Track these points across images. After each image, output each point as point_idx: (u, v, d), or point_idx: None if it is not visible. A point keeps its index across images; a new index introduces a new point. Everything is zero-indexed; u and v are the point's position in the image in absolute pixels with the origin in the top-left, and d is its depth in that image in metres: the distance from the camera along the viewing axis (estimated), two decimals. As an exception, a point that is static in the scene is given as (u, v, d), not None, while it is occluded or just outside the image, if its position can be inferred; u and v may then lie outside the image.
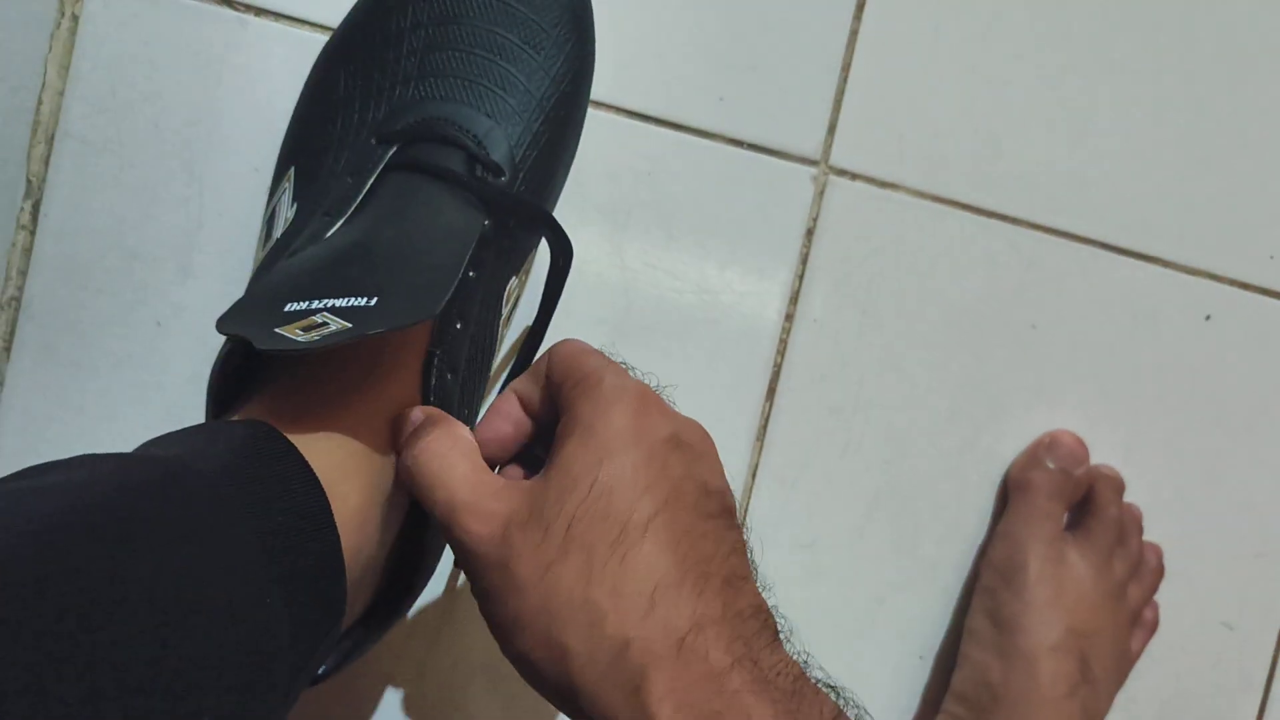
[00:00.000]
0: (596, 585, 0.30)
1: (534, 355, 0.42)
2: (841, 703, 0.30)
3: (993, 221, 0.55)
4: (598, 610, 0.30)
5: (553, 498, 0.32)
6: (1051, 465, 0.55)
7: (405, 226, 0.39)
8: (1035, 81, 0.56)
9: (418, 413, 0.37)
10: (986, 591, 0.55)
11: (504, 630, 0.32)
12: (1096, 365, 0.57)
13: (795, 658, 0.31)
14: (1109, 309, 0.57)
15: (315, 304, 0.37)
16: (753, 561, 0.33)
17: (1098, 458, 0.57)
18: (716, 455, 0.35)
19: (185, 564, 0.27)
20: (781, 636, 0.31)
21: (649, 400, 0.34)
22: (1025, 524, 0.54)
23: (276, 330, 0.36)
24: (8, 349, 0.46)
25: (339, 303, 0.36)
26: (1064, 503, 0.56)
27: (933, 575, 0.57)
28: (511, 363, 0.44)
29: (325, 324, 0.35)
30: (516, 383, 0.38)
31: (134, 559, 0.26)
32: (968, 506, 0.57)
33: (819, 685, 0.30)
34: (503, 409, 0.38)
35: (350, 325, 0.35)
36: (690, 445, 0.33)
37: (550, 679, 0.31)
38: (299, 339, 0.34)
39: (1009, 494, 0.56)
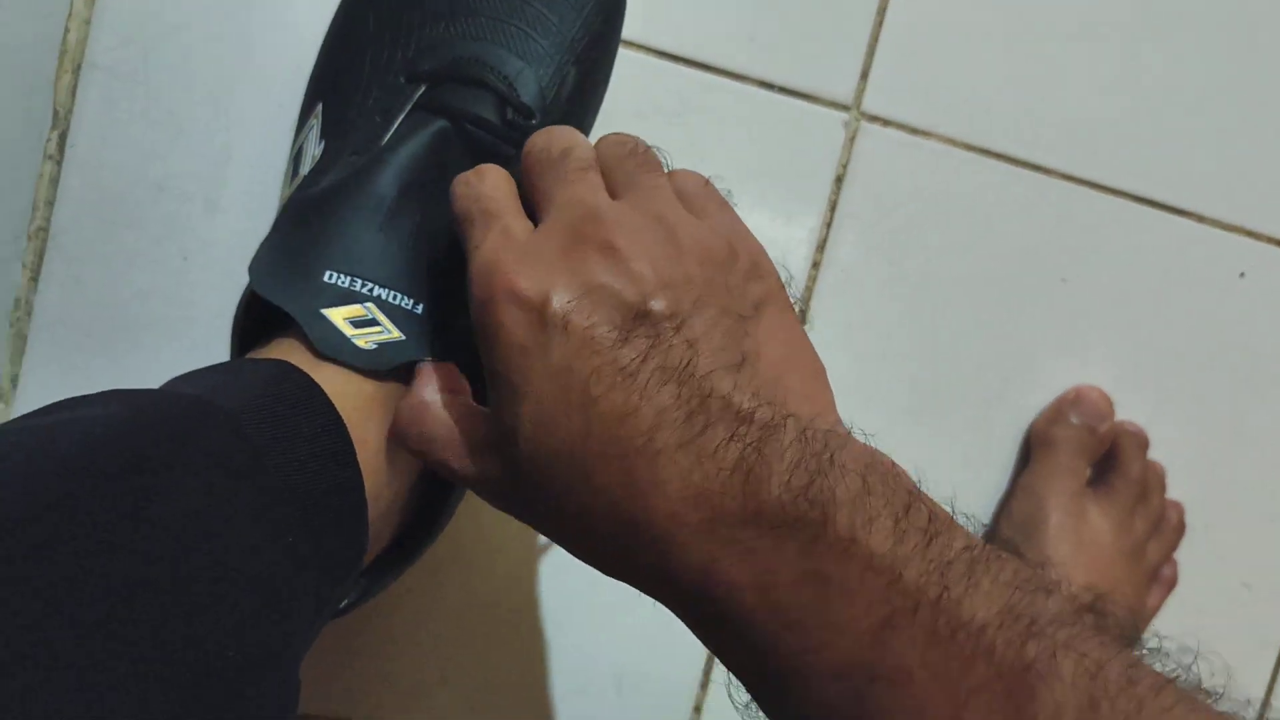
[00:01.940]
0: (572, 535, 0.31)
1: None
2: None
3: (1026, 172, 0.55)
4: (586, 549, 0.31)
5: (499, 422, 0.31)
6: (1076, 421, 0.56)
7: (439, 200, 0.39)
8: (1076, 30, 0.55)
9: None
10: (1005, 545, 0.56)
11: (563, 525, 0.32)
12: (1126, 321, 0.58)
13: (765, 423, 0.29)
14: (1142, 264, 0.57)
15: (359, 284, 0.39)
16: (754, 309, 0.32)
17: (1123, 414, 0.58)
18: (629, 250, 0.31)
19: (208, 499, 0.28)
20: (773, 432, 0.29)
21: (507, 282, 0.31)
22: (1047, 479, 0.55)
23: (323, 312, 0.38)
24: (35, 279, 0.47)
25: (384, 294, 0.38)
26: (1087, 459, 0.56)
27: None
28: None
29: (374, 321, 0.38)
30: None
31: (158, 493, 0.27)
32: (990, 460, 0.57)
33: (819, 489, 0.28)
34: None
35: (403, 337, 0.38)
36: (583, 292, 0.30)
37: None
38: (352, 339, 0.37)
39: (1031, 448, 0.57)
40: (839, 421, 0.31)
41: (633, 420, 0.28)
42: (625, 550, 0.29)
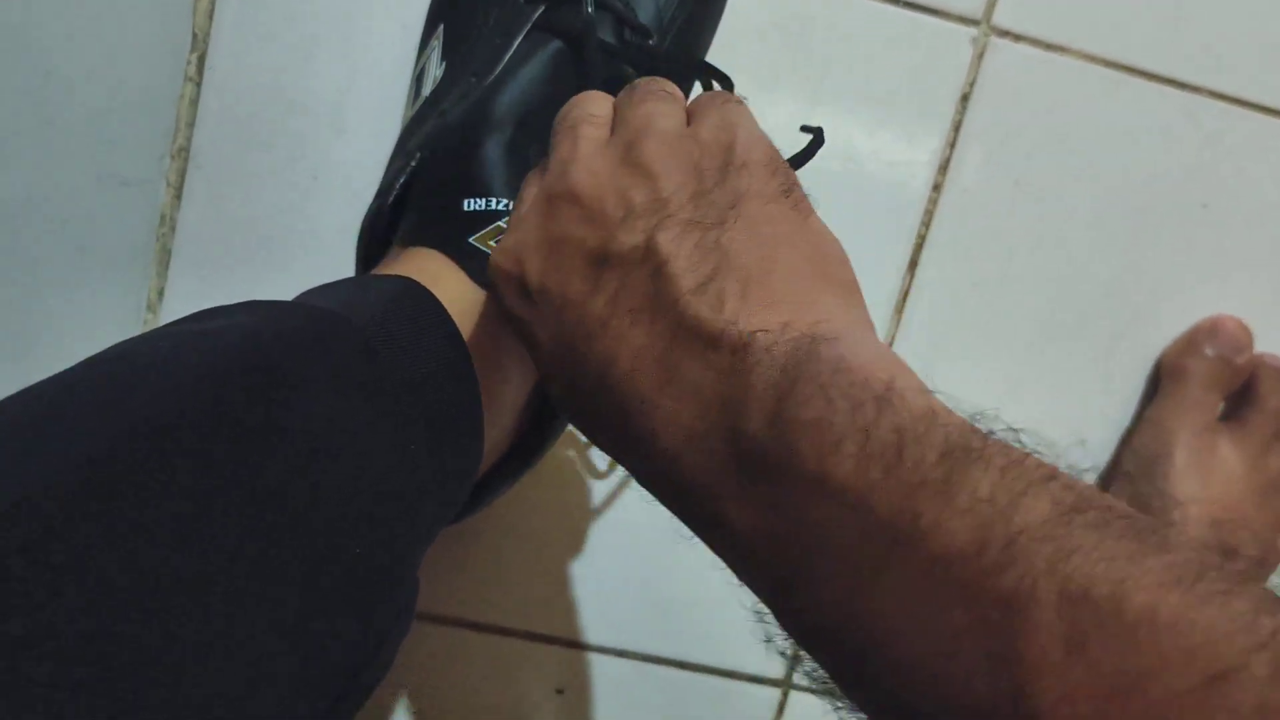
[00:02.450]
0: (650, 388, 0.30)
1: None
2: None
3: (1169, 89, 0.53)
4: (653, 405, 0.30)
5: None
6: (1210, 352, 0.54)
7: (538, 124, 0.40)
8: (1232, -66, 0.52)
9: None
10: (1127, 478, 0.55)
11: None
12: (1272, 250, 0.55)
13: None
14: (1293, 188, 0.54)
15: (494, 203, 0.40)
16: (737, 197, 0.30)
17: (1264, 346, 0.55)
18: (578, 159, 0.33)
19: (337, 410, 0.30)
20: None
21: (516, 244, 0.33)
22: (1175, 412, 0.54)
23: (471, 242, 0.39)
24: (179, 196, 0.50)
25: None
26: (1220, 392, 0.54)
27: (1071, 457, 0.56)
28: None
29: None
30: None
31: (290, 403, 0.29)
32: (1115, 392, 0.56)
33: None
34: None
35: None
36: (536, 280, 0.32)
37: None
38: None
39: (1161, 380, 0.55)
40: (826, 317, 0.28)
41: (615, 369, 0.29)
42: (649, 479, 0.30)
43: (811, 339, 0.26)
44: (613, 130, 0.34)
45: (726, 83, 0.44)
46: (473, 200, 0.41)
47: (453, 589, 0.55)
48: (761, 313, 0.28)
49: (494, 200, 0.41)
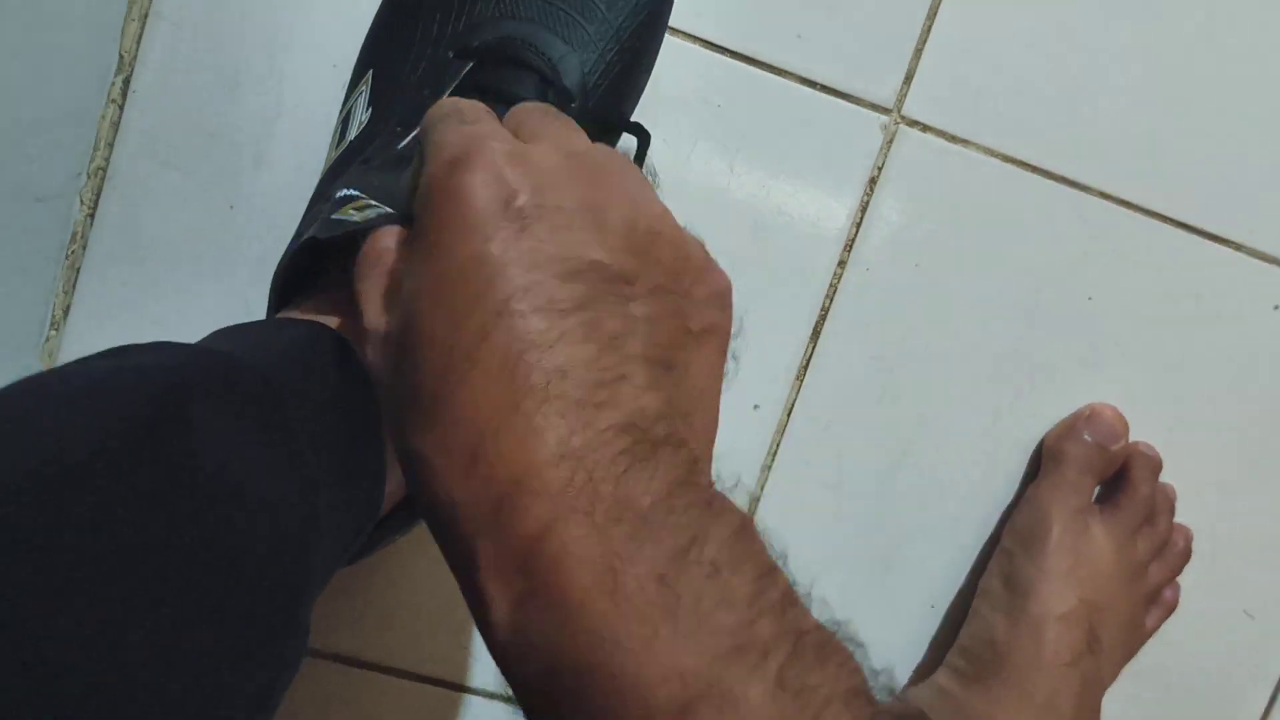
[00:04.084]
0: (425, 437, 0.28)
1: None
2: (711, 517, 0.27)
3: (1063, 187, 0.57)
4: (429, 469, 0.28)
5: (401, 321, 0.30)
6: (1088, 438, 0.58)
7: None
8: (1123, 48, 0.57)
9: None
10: (1005, 554, 0.59)
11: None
12: (1150, 343, 0.60)
13: (686, 463, 0.27)
14: (1171, 288, 0.59)
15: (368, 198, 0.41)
16: (695, 334, 0.30)
17: (1139, 435, 0.60)
18: (612, 203, 0.30)
19: (240, 456, 0.31)
20: (669, 446, 0.27)
21: (492, 167, 0.29)
22: (1053, 493, 0.58)
23: (333, 217, 0.40)
24: (92, 216, 0.51)
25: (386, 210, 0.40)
26: (1095, 476, 0.59)
27: (954, 530, 0.61)
28: None
29: (373, 205, 0.39)
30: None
31: (193, 449, 0.30)
32: (998, 469, 0.60)
33: (693, 497, 0.27)
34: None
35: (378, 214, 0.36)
36: (558, 208, 0.29)
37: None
38: (353, 216, 0.38)
39: (1042, 461, 0.59)
40: None
41: (539, 354, 0.27)
42: (458, 480, 0.27)
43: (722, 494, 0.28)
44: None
45: (644, 141, 0.47)
46: (346, 189, 0.40)
47: (342, 624, 0.56)
48: (693, 438, 0.29)
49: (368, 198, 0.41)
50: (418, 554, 0.56)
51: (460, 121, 0.31)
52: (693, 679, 0.24)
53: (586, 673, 0.25)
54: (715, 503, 0.27)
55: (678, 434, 0.28)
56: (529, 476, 0.26)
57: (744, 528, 0.27)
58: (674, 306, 0.30)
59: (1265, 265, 0.60)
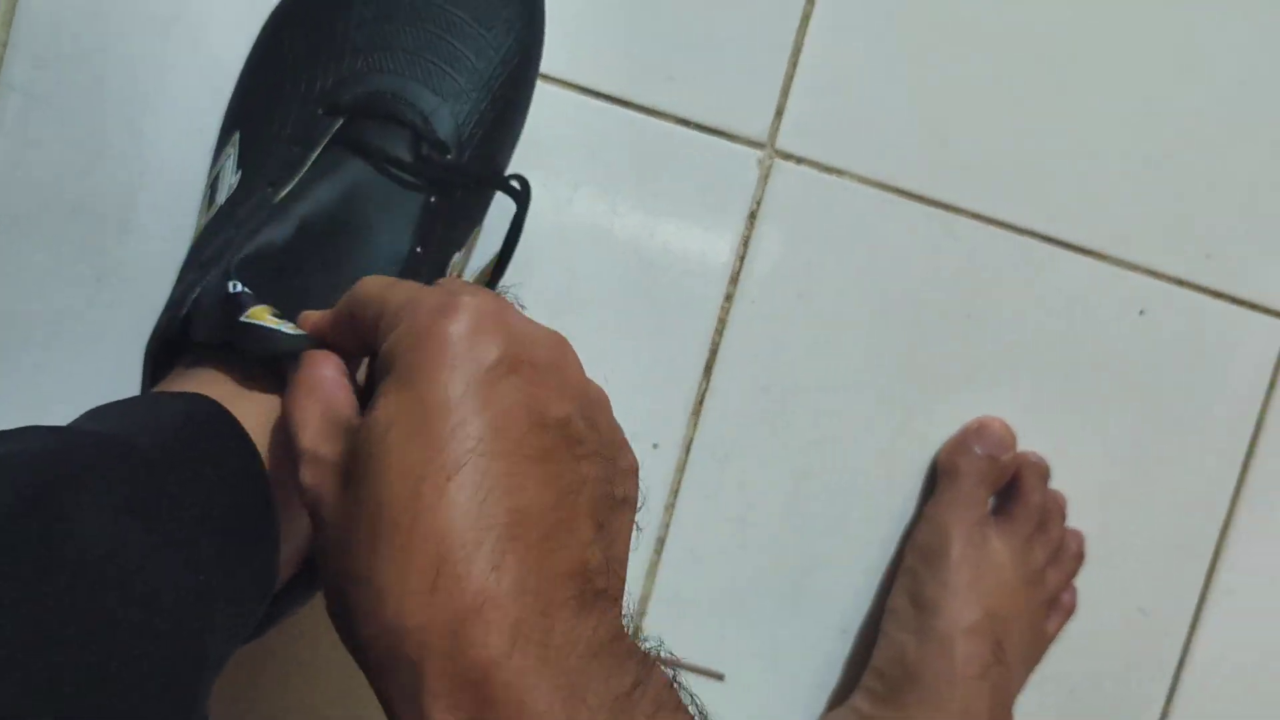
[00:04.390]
0: (381, 560, 0.28)
1: None
2: (648, 668, 0.29)
3: (935, 210, 0.59)
4: (377, 592, 0.28)
5: (358, 450, 0.31)
6: (979, 451, 0.60)
7: (345, 231, 0.42)
8: (985, 73, 0.59)
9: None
10: (909, 572, 0.60)
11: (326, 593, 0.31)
12: (1030, 355, 0.62)
13: (620, 618, 0.30)
14: (1045, 300, 0.62)
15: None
16: (619, 501, 0.32)
17: (1027, 445, 0.62)
18: (570, 369, 0.32)
19: (121, 542, 0.30)
20: (607, 599, 0.30)
21: (476, 318, 0.30)
22: (950, 508, 0.59)
23: (242, 320, 0.40)
24: (-55, 299, 0.49)
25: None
26: (989, 488, 0.60)
27: (859, 553, 0.62)
28: None
29: (284, 317, 0.39)
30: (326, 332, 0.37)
31: (70, 539, 0.29)
32: (896, 489, 0.61)
33: (630, 647, 0.29)
34: (321, 365, 0.36)
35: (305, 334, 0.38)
36: (531, 364, 0.31)
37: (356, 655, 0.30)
38: (281, 328, 0.38)
39: (937, 478, 0.61)
40: None
41: (505, 495, 0.28)
42: (410, 604, 0.28)
43: None
44: None
45: (525, 195, 0.47)
46: (237, 284, 0.40)
47: (246, 712, 0.54)
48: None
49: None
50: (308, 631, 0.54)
51: (420, 286, 0.33)
52: None
53: None
54: (649, 656, 0.29)
55: (613, 590, 0.30)
56: (488, 606, 0.27)
57: (675, 680, 0.29)
58: (609, 472, 0.32)
59: (1128, 272, 0.62)
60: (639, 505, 0.34)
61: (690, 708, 0.29)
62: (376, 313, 0.33)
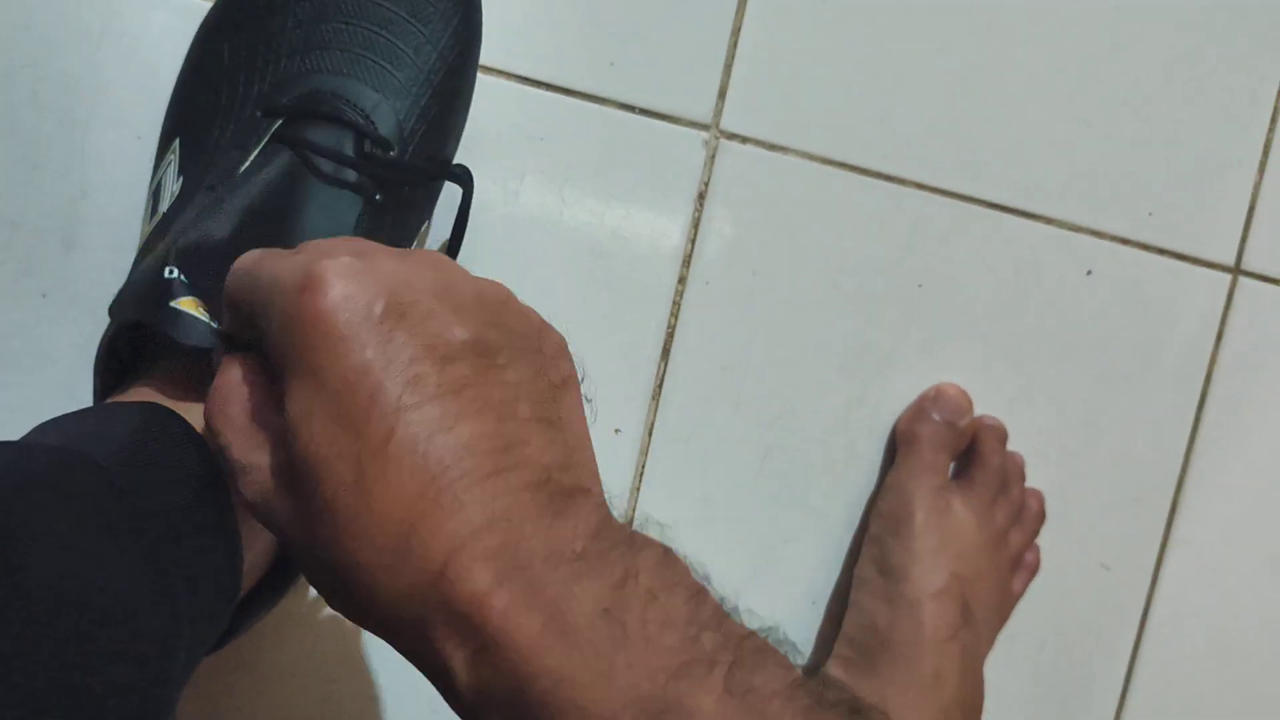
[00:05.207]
0: (352, 546, 0.29)
1: None
2: (634, 553, 0.29)
3: (880, 182, 0.61)
4: (360, 578, 0.29)
5: (288, 450, 0.30)
6: (937, 417, 0.61)
7: (287, 227, 0.43)
8: (923, 45, 0.61)
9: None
10: (875, 541, 0.61)
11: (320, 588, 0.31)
12: (982, 321, 0.64)
13: (599, 505, 0.30)
14: (993, 266, 0.63)
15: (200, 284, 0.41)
16: (558, 386, 0.32)
17: (983, 409, 0.64)
18: (456, 285, 0.32)
19: (83, 557, 0.30)
20: (579, 492, 0.30)
21: (342, 281, 0.30)
22: (911, 475, 0.61)
23: (172, 305, 0.40)
24: (-113, 324, 0.49)
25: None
26: (949, 453, 0.62)
27: (824, 526, 0.63)
28: None
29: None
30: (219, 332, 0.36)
31: (30, 556, 0.29)
32: (857, 459, 0.63)
33: (616, 537, 0.29)
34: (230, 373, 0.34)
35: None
36: (414, 301, 0.30)
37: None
38: (210, 321, 0.39)
39: (897, 447, 0.62)
40: None
41: (443, 438, 0.28)
42: (393, 570, 0.28)
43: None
44: None
45: (468, 184, 0.48)
46: (175, 269, 0.41)
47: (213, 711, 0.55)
48: (588, 480, 0.31)
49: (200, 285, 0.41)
50: (274, 639, 0.55)
51: (281, 256, 0.32)
52: (650, 700, 0.26)
53: (552, 712, 0.27)
54: (636, 538, 0.29)
55: (583, 482, 0.30)
56: (463, 548, 0.27)
57: (668, 555, 0.29)
58: (538, 365, 0.32)
59: (1074, 234, 0.64)
60: (581, 377, 0.34)
61: (687, 580, 0.29)
62: (251, 298, 0.33)
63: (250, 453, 0.32)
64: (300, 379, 0.30)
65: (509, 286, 0.49)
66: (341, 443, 0.29)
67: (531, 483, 0.29)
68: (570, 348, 0.34)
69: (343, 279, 0.30)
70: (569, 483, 0.30)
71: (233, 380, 0.33)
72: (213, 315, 0.40)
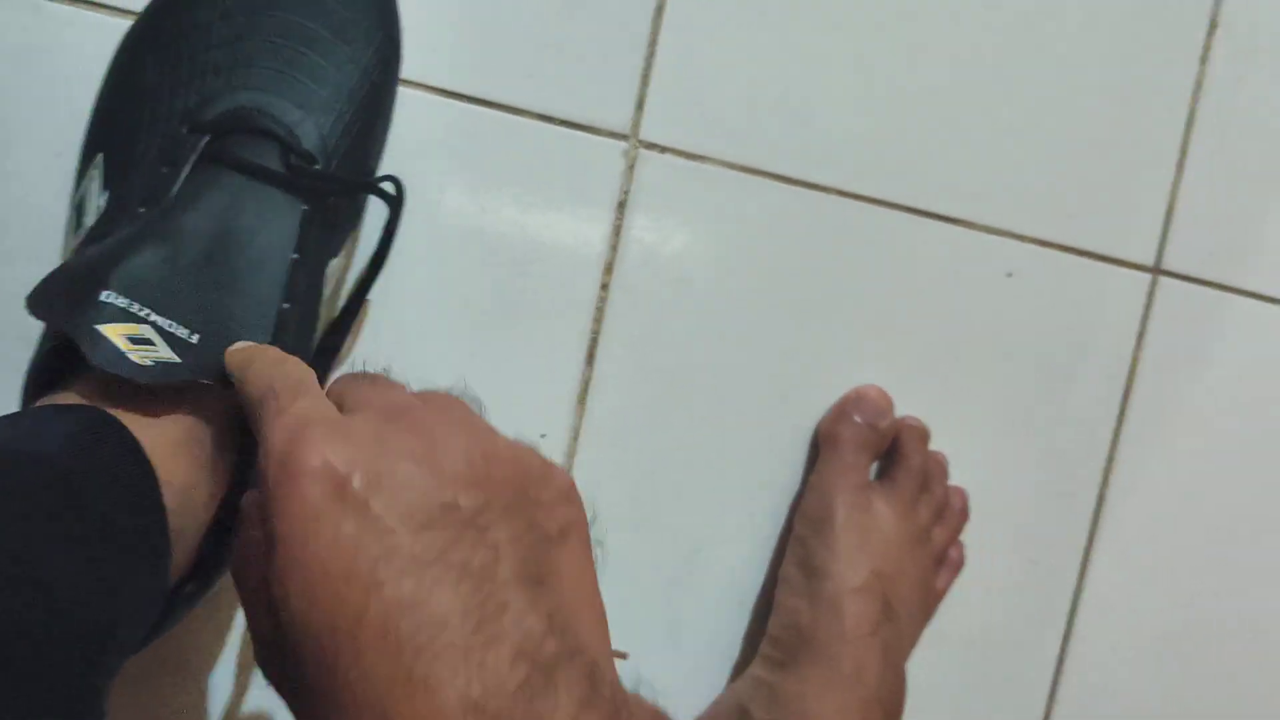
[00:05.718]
0: None
1: (353, 317, 0.50)
2: None
3: (800, 189, 0.63)
4: None
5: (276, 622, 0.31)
6: (858, 419, 0.64)
7: (225, 243, 0.45)
8: (840, 52, 0.63)
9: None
10: (798, 540, 0.64)
11: None
12: (905, 323, 0.66)
13: (588, 673, 0.30)
14: (914, 270, 0.65)
15: (136, 307, 0.43)
16: (554, 538, 0.32)
17: (907, 410, 0.66)
18: (441, 439, 0.32)
19: (15, 554, 0.32)
20: (564, 660, 0.30)
21: (317, 447, 0.30)
22: (833, 475, 0.63)
23: (97, 328, 0.41)
24: None
25: (162, 322, 0.42)
26: (870, 454, 0.64)
27: (750, 526, 0.65)
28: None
29: (150, 341, 0.41)
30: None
31: None
32: (782, 461, 0.65)
33: (603, 713, 0.29)
34: None
35: (180, 360, 0.40)
36: (391, 470, 0.31)
37: None
38: (129, 355, 0.40)
39: (819, 448, 0.65)
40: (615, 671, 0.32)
41: (416, 613, 0.28)
42: None
43: (624, 689, 0.31)
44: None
45: (397, 198, 0.50)
46: (112, 294, 0.42)
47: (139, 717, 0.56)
48: (584, 637, 0.31)
49: (137, 305, 0.43)
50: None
51: (279, 405, 0.33)
52: None
53: None
54: (623, 712, 0.29)
55: (569, 646, 0.30)
56: None
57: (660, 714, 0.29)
58: (529, 519, 0.32)
59: (992, 237, 0.66)
60: (591, 519, 0.34)
61: None
62: (243, 394, 0.35)
63: (260, 619, 0.32)
64: (280, 551, 0.30)
65: (431, 295, 0.49)
66: (318, 622, 0.29)
67: (508, 657, 0.28)
68: (579, 492, 0.34)
69: (320, 455, 0.30)
70: (552, 651, 0.29)
71: (252, 541, 0.33)
72: (148, 342, 0.42)
